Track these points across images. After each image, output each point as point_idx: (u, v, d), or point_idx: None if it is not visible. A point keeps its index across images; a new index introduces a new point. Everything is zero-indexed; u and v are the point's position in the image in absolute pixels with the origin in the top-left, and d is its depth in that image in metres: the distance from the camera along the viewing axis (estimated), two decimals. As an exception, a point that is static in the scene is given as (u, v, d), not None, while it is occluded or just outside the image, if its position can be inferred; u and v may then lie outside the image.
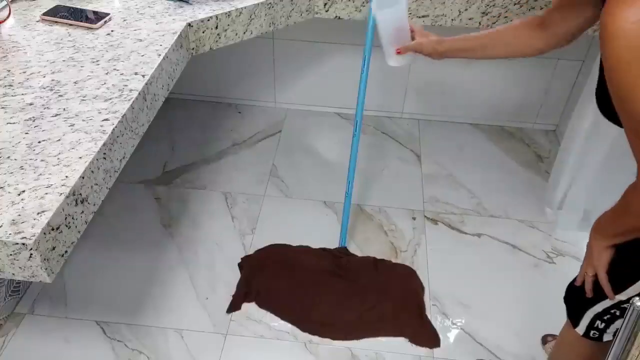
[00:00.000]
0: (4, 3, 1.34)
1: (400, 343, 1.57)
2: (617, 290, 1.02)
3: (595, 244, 1.01)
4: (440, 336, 1.59)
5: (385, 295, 1.67)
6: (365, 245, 1.85)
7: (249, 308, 1.64)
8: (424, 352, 1.54)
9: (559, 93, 2.24)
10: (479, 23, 1.63)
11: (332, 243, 1.84)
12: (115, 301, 1.65)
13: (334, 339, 1.56)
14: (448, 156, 2.21)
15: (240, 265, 1.75)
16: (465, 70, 2.22)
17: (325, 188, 2.05)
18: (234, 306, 1.64)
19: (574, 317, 1.14)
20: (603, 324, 1.08)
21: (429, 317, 1.63)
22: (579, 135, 1.73)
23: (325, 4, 1.64)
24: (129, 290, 1.68)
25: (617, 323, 1.07)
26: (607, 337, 1.10)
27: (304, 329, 1.58)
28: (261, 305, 1.64)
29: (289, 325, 1.60)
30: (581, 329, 1.12)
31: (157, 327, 1.58)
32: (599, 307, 1.07)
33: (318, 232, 1.88)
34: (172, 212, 1.94)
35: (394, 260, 1.79)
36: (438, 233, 1.90)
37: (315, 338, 1.57)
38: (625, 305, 1.03)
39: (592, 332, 1.11)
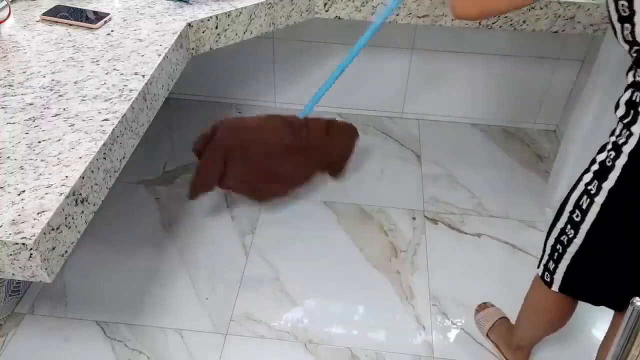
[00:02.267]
0: (4, 3, 1.34)
1: (400, 343, 1.57)
2: None
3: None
4: (440, 336, 1.59)
5: (328, 153, 1.81)
6: (365, 245, 1.85)
7: (249, 308, 1.64)
8: (424, 352, 1.55)
9: (559, 93, 2.24)
10: (479, 23, 1.63)
11: (332, 243, 1.84)
12: (115, 301, 1.65)
13: (277, 195, 1.73)
14: (448, 156, 2.21)
15: (196, 150, 1.73)
16: (465, 70, 2.22)
17: (325, 188, 2.05)
18: (195, 191, 1.72)
19: (540, 257, 1.24)
20: (553, 265, 1.17)
21: (429, 317, 1.63)
22: (579, 135, 1.73)
23: (325, 4, 1.64)
24: (129, 290, 1.68)
25: (563, 265, 1.15)
26: (555, 286, 1.19)
27: (254, 197, 1.72)
28: (221, 186, 1.71)
29: (289, 325, 1.60)
30: (540, 269, 1.23)
31: (157, 327, 1.59)
32: (551, 240, 1.17)
33: (318, 232, 1.88)
34: (172, 212, 1.95)
35: (393, 260, 1.79)
36: (438, 233, 1.90)
37: (315, 338, 1.57)
38: (566, 235, 1.12)
39: (545, 274, 1.21)
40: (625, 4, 0.88)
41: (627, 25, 0.91)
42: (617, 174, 0.99)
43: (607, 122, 1.62)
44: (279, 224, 1.91)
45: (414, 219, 1.94)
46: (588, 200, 1.05)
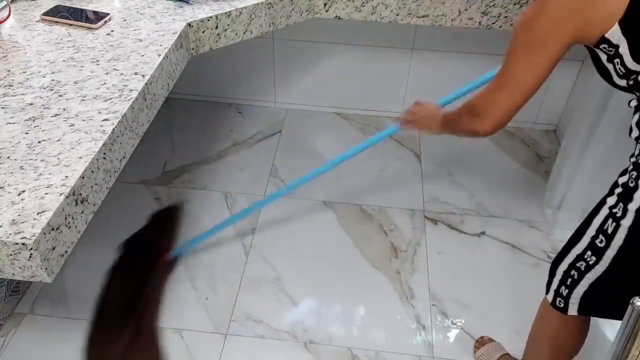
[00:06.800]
0: (4, 3, 1.34)
1: (400, 343, 1.57)
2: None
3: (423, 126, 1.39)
4: (440, 336, 1.59)
5: None
6: (365, 245, 1.85)
7: (249, 308, 1.64)
8: (424, 352, 1.55)
9: (559, 93, 2.23)
10: (479, 23, 1.63)
11: (332, 243, 1.84)
12: (115, 301, 1.65)
13: None
14: (448, 156, 2.21)
15: None
16: (465, 70, 2.22)
17: (325, 188, 2.05)
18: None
19: (548, 282, 1.18)
20: (566, 291, 1.12)
21: (429, 317, 1.63)
22: (579, 135, 1.73)
23: (325, 4, 1.64)
24: (129, 290, 1.68)
25: (579, 290, 1.10)
26: (571, 310, 1.13)
27: None
28: None
29: (289, 325, 1.60)
30: (550, 295, 1.17)
31: (157, 327, 1.58)
32: (564, 265, 1.12)
33: (318, 232, 1.88)
34: (172, 212, 1.94)
35: (393, 260, 1.79)
36: (438, 233, 1.90)
37: (315, 338, 1.57)
38: (584, 261, 1.06)
39: (558, 300, 1.15)
40: (606, 46, 0.92)
41: (616, 60, 0.93)
42: None
43: (607, 122, 1.63)
44: (279, 224, 1.91)
45: (413, 219, 1.94)
46: (614, 223, 0.99)
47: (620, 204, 0.98)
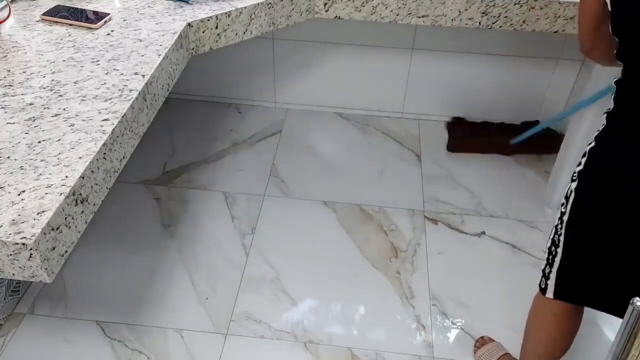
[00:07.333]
0: (4, 3, 1.34)
1: (400, 343, 1.57)
2: None
3: None
4: (440, 336, 1.59)
5: None
6: (365, 245, 1.85)
7: (249, 308, 1.64)
8: (424, 352, 1.55)
9: (559, 93, 2.23)
10: (479, 23, 1.63)
11: (332, 243, 1.84)
12: (115, 301, 1.65)
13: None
14: (448, 156, 2.21)
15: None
16: (465, 70, 2.22)
17: (325, 188, 2.05)
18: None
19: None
20: (548, 269, 1.15)
21: (429, 317, 1.63)
22: (579, 135, 1.73)
23: (325, 4, 1.64)
24: (129, 290, 1.68)
25: (555, 268, 1.13)
26: (549, 292, 1.16)
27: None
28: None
29: (289, 325, 1.60)
30: (539, 277, 1.20)
31: (157, 327, 1.59)
32: (549, 242, 1.15)
33: (318, 232, 1.88)
34: (172, 212, 1.95)
35: (393, 260, 1.79)
36: (438, 233, 1.90)
37: (315, 338, 1.57)
38: (557, 233, 1.10)
39: (542, 280, 1.18)
40: (608, 9, 0.97)
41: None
42: (586, 158, 1.04)
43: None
44: (278, 224, 1.91)
45: (413, 219, 1.94)
46: (569, 188, 1.06)
47: (575, 168, 1.06)
